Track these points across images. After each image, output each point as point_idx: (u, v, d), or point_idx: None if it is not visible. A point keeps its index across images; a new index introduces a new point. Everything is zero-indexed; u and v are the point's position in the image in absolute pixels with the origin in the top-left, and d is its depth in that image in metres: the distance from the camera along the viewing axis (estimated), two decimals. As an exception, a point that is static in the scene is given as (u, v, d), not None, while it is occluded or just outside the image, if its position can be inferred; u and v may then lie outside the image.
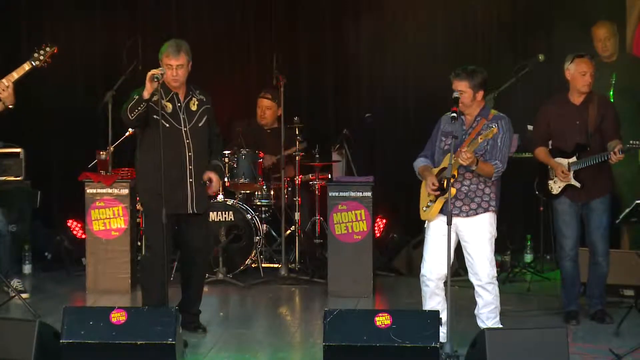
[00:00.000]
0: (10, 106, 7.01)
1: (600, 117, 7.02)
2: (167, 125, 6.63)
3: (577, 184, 7.03)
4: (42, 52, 6.85)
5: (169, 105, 6.69)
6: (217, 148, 7.04)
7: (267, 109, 9.40)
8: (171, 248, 6.89)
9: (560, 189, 7.10)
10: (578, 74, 7.02)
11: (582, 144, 7.02)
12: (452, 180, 6.15)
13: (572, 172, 7.04)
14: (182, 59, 6.66)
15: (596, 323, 7.12)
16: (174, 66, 6.65)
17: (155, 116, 6.58)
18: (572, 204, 7.10)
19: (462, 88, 6.28)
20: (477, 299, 6.41)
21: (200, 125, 6.74)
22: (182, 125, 6.69)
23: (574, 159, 7.03)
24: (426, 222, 6.44)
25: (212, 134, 6.90)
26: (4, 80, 6.87)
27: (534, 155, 7.31)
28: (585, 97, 7.07)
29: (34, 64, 6.85)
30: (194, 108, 6.75)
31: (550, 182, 7.16)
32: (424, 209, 6.41)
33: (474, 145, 6.16)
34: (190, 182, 6.68)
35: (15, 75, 6.85)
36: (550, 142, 7.20)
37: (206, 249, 7.07)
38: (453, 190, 6.21)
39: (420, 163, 6.47)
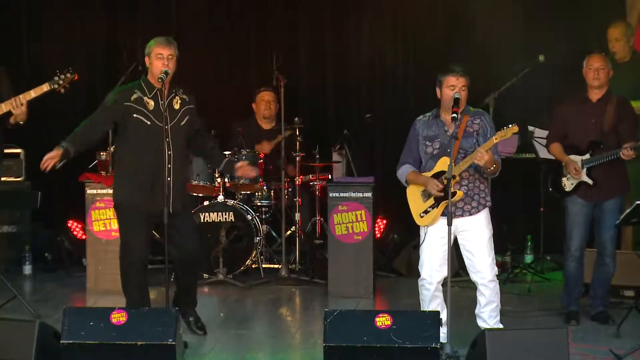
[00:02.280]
0: (21, 122, 7.09)
1: (617, 118, 7.02)
2: (149, 123, 6.53)
3: (590, 181, 7.02)
4: (62, 76, 6.93)
5: (151, 103, 6.54)
6: (211, 145, 6.96)
7: (273, 102, 9.40)
8: (149, 250, 6.76)
9: (573, 186, 7.10)
10: (587, 69, 7.10)
11: (596, 141, 7.02)
12: (454, 181, 6.16)
13: (584, 170, 7.03)
14: (172, 50, 6.58)
15: (597, 324, 7.12)
16: (165, 56, 6.53)
17: (135, 115, 6.52)
18: (584, 205, 7.08)
19: (464, 84, 6.28)
20: (479, 297, 6.41)
21: (182, 124, 6.62)
22: (164, 123, 6.53)
23: (587, 156, 7.03)
24: (423, 226, 6.42)
25: (198, 131, 6.79)
26: (20, 96, 6.95)
27: (548, 151, 7.32)
28: (602, 96, 7.08)
29: (52, 86, 6.92)
30: (176, 107, 6.61)
31: (564, 179, 7.16)
32: (422, 215, 6.37)
33: (488, 144, 6.11)
34: (169, 181, 6.53)
35: (33, 94, 6.94)
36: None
37: (195, 250, 6.77)
38: (460, 193, 6.21)
39: (407, 170, 6.42)
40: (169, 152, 6.52)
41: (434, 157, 6.29)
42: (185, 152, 6.74)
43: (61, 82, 6.94)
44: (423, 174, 6.36)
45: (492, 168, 6.17)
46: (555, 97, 8.37)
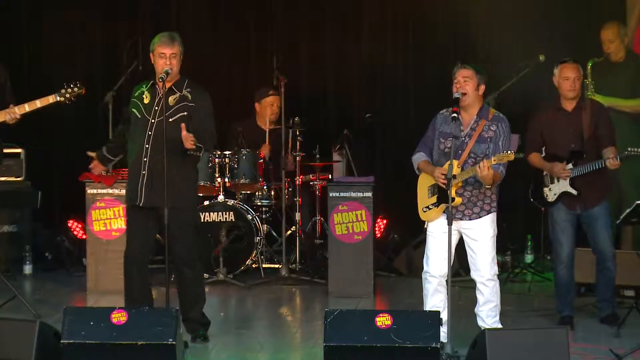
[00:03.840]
0: (11, 123, 7.17)
1: (594, 125, 6.96)
2: (139, 116, 6.54)
3: (574, 191, 6.95)
4: (69, 89, 6.95)
5: (148, 97, 6.54)
6: (205, 139, 6.60)
7: (277, 107, 9.38)
8: (152, 245, 6.76)
9: (555, 197, 7.03)
10: (562, 80, 6.97)
11: (578, 151, 6.95)
12: (457, 185, 6.16)
13: (568, 180, 6.98)
14: (176, 49, 6.51)
15: (597, 323, 7.12)
16: (167, 55, 6.48)
17: (133, 109, 6.56)
18: (568, 212, 7.04)
19: (467, 75, 6.25)
20: (478, 296, 6.41)
21: (171, 120, 6.47)
22: (152, 117, 6.51)
23: (569, 166, 6.97)
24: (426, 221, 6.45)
25: (201, 129, 6.54)
26: (15, 108, 7.02)
27: (528, 161, 7.25)
28: (577, 103, 7.01)
29: (58, 98, 6.95)
30: (172, 102, 6.54)
31: (546, 189, 7.10)
32: (424, 209, 6.41)
33: (487, 163, 6.07)
34: (143, 174, 6.50)
35: (39, 104, 7.00)
36: (543, 149, 7.13)
37: (183, 252, 6.63)
38: (459, 200, 6.21)
39: (420, 158, 6.43)
40: (147, 146, 6.49)
41: (446, 155, 6.26)
42: (177, 150, 6.46)
43: (68, 95, 6.96)
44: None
45: (488, 184, 6.18)
46: (556, 98, 8.36)
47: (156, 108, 6.52)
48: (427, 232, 6.42)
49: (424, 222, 6.47)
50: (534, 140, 7.18)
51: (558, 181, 7.02)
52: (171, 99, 6.56)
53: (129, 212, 6.69)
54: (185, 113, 6.56)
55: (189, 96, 6.60)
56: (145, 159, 6.51)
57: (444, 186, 6.17)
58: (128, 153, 6.71)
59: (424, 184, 6.45)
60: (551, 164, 7.03)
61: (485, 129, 6.26)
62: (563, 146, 7.01)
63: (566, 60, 7.04)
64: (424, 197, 6.43)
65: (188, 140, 6.39)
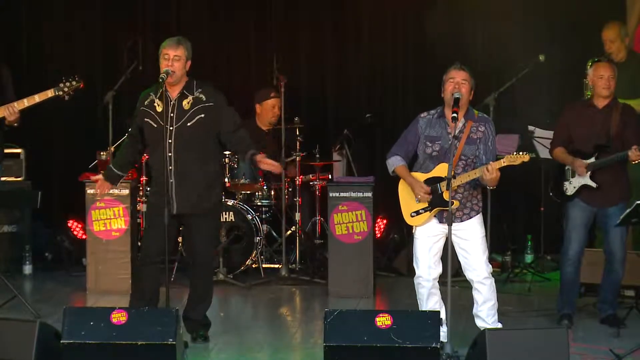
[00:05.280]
0: (16, 124, 7.20)
1: (622, 124, 6.98)
2: (155, 125, 6.51)
3: (593, 184, 6.97)
4: (68, 83, 6.98)
5: (160, 105, 6.51)
6: (244, 142, 6.71)
7: (278, 109, 9.37)
8: (168, 249, 6.71)
9: (575, 190, 7.05)
10: (596, 78, 7.03)
11: (602, 145, 6.97)
12: (454, 187, 6.15)
13: (589, 173, 6.99)
14: (180, 52, 6.49)
15: (597, 324, 7.12)
16: (170, 56, 6.47)
17: (146, 119, 6.55)
18: (585, 208, 7.03)
19: (466, 77, 6.25)
20: (475, 296, 6.41)
21: (189, 124, 6.51)
22: (169, 124, 6.50)
23: (592, 159, 6.99)
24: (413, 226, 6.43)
25: (228, 132, 6.64)
26: (14, 104, 7.06)
27: (552, 156, 7.29)
28: (608, 102, 7.04)
29: (57, 92, 6.97)
30: (186, 107, 6.53)
31: (566, 182, 7.11)
32: (412, 214, 6.37)
33: (497, 164, 6.09)
34: (171, 183, 6.49)
35: (37, 98, 7.06)
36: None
37: (205, 252, 6.76)
38: (457, 203, 6.21)
39: (397, 162, 6.40)
40: (169, 154, 6.48)
41: (433, 159, 6.27)
42: (200, 153, 6.58)
43: (66, 89, 6.98)
44: (416, 173, 6.36)
45: (493, 186, 6.20)
46: (556, 98, 8.37)
47: (172, 115, 6.51)
48: (415, 237, 6.42)
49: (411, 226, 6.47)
50: (560, 135, 7.21)
51: (579, 175, 7.04)
52: (185, 103, 6.56)
53: (154, 217, 6.57)
54: (203, 115, 6.56)
55: (203, 97, 6.60)
56: (170, 167, 6.51)
57: (425, 199, 6.21)
58: (149, 163, 6.76)
59: (408, 189, 6.41)
60: (572, 159, 7.04)
61: (473, 130, 6.26)
62: (589, 141, 7.03)
63: (600, 59, 7.13)
64: (410, 202, 6.40)
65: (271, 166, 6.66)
